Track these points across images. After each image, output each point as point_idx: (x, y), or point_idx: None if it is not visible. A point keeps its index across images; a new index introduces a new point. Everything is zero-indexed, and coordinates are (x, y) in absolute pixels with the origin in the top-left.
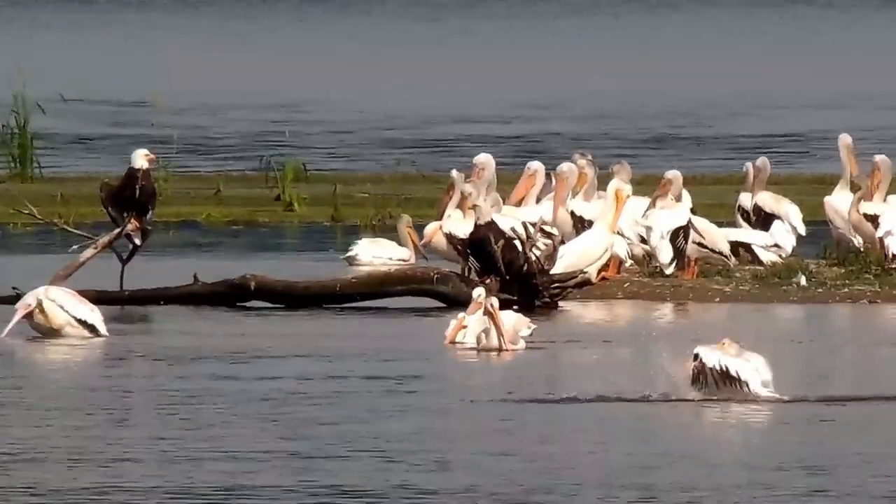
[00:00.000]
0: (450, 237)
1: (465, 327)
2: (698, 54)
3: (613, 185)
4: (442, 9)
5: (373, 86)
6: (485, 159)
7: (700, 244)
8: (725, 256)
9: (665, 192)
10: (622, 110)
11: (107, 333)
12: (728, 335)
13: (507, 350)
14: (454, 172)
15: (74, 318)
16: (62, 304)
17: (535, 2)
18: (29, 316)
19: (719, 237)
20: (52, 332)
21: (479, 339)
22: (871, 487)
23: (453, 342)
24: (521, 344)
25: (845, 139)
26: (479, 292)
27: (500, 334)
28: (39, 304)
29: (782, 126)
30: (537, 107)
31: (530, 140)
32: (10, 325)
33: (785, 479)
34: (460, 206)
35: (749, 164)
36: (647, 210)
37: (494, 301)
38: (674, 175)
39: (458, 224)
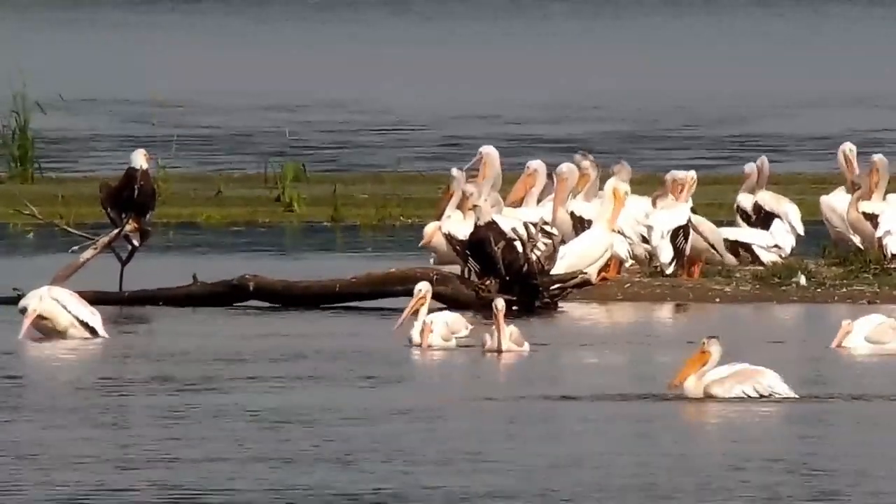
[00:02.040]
0: (449, 238)
1: (432, 331)
2: (700, 55)
3: (611, 183)
4: (442, 9)
5: (373, 86)
6: (489, 150)
7: (707, 241)
8: (720, 255)
9: (680, 191)
10: (624, 111)
11: (106, 335)
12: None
13: (506, 351)
14: (454, 171)
15: (77, 319)
16: (65, 304)
17: (538, 2)
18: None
19: (718, 236)
20: (56, 333)
21: (484, 341)
22: (871, 488)
23: (430, 346)
24: (526, 346)
25: (844, 149)
26: (419, 287)
27: (500, 335)
28: (45, 307)
29: (783, 126)
30: (539, 108)
31: (532, 141)
32: (24, 329)
33: (786, 479)
34: (460, 206)
35: (753, 165)
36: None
37: (500, 302)
38: (691, 176)
39: (458, 225)
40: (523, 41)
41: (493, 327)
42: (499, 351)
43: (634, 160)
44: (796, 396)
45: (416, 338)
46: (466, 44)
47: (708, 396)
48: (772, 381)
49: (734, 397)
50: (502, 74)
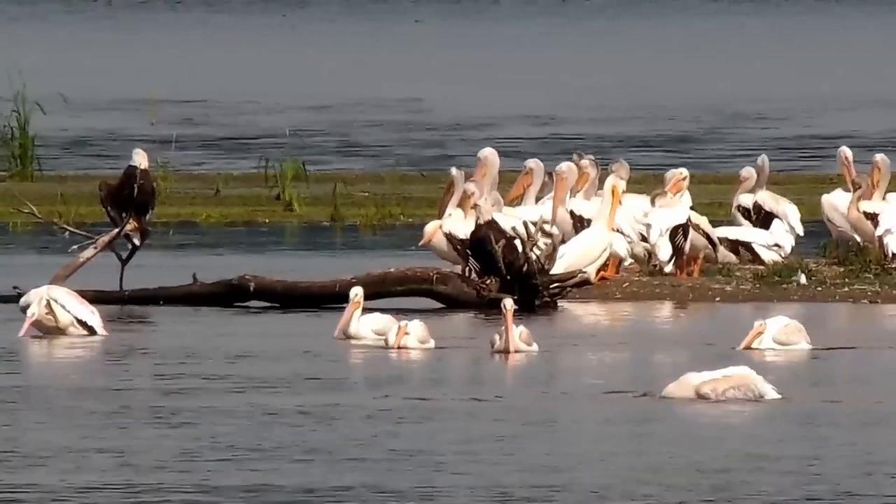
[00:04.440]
0: (450, 237)
1: (407, 333)
2: (702, 55)
3: (610, 181)
4: (444, 9)
5: (373, 85)
6: (489, 153)
7: (707, 237)
8: (715, 248)
9: (678, 189)
10: (626, 112)
11: (105, 333)
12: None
13: (514, 352)
14: (454, 170)
15: (76, 318)
16: (65, 303)
17: (537, 3)
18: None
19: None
20: (55, 332)
21: (493, 342)
22: (870, 489)
23: (399, 347)
24: (535, 346)
25: (843, 153)
26: (355, 291)
27: (509, 336)
28: (46, 306)
29: (782, 127)
30: (539, 109)
31: (532, 142)
32: (24, 329)
33: (784, 480)
34: (461, 205)
35: (750, 169)
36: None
37: (509, 302)
38: (678, 172)
39: (459, 224)
40: (525, 42)
41: (503, 328)
42: (507, 351)
43: (633, 160)
44: (781, 398)
45: (391, 339)
46: (468, 44)
47: (700, 397)
48: (763, 388)
49: (725, 400)
50: (504, 75)
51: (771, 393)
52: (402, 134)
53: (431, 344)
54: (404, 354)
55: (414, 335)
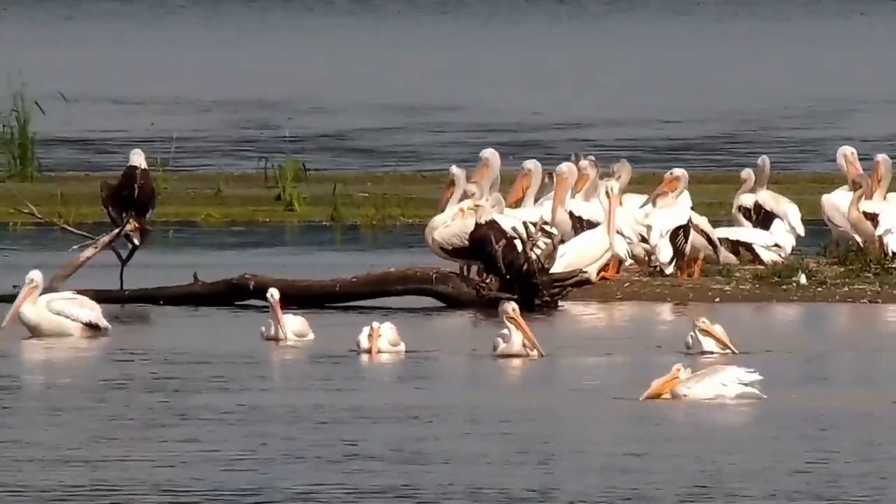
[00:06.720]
0: (442, 247)
1: (380, 335)
2: (704, 55)
3: (603, 185)
4: (444, 8)
5: (374, 86)
6: (490, 154)
7: (708, 238)
8: (716, 249)
9: (672, 189)
10: (630, 113)
11: (108, 325)
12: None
13: (533, 355)
14: (454, 168)
15: (83, 323)
16: (70, 314)
17: (533, 3)
18: (36, 329)
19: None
20: (61, 339)
21: (495, 345)
22: (870, 489)
23: (379, 351)
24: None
25: (844, 153)
26: (271, 292)
27: (528, 339)
28: (44, 318)
29: (782, 126)
30: (537, 109)
31: (530, 142)
32: (11, 313)
33: (782, 479)
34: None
35: (749, 171)
36: (644, 204)
37: (515, 306)
38: (681, 173)
39: (450, 232)
40: (525, 41)
41: (512, 330)
42: (539, 353)
43: (635, 161)
44: (760, 393)
45: (364, 343)
46: (468, 44)
47: (674, 397)
48: (737, 374)
49: (701, 395)
50: (504, 75)
51: (750, 379)
52: (402, 134)
53: (402, 347)
54: (404, 357)
55: (385, 338)
